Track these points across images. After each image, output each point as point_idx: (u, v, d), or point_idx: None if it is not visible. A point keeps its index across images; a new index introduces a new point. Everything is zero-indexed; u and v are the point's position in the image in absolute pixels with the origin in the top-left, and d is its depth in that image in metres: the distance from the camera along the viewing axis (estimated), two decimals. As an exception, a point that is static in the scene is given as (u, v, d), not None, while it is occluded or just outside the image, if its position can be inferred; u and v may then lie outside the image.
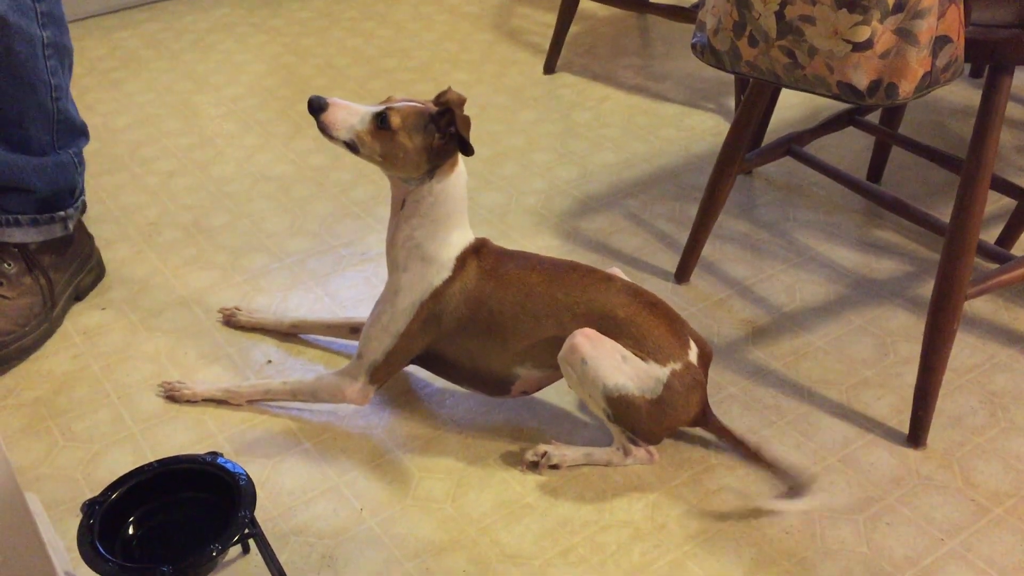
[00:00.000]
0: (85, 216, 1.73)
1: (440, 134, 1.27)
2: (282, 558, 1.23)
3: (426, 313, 1.35)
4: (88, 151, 1.78)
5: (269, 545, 1.19)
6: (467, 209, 1.35)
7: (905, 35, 1.15)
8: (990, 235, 1.74)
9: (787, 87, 1.30)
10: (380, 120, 1.26)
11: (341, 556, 1.25)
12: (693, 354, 1.32)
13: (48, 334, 1.62)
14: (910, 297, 1.67)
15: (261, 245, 1.85)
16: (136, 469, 1.19)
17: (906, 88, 1.18)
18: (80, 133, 1.66)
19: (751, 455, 1.32)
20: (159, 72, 2.53)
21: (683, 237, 1.78)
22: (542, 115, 2.29)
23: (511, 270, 1.35)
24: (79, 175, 1.66)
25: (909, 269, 1.74)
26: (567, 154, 2.13)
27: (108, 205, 1.98)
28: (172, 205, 1.98)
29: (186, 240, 1.87)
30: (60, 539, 1.24)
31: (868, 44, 1.16)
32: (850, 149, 2.08)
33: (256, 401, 1.47)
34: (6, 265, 1.59)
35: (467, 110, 1.29)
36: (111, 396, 1.51)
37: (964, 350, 1.54)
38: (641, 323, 1.30)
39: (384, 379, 1.41)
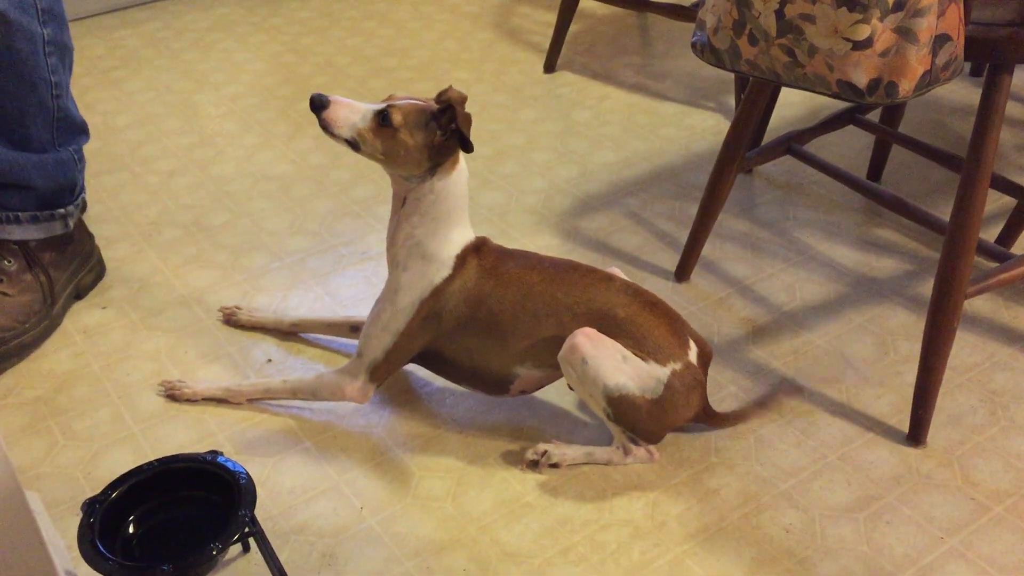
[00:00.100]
0: (85, 215, 1.73)
1: (441, 131, 1.27)
2: (282, 557, 1.23)
3: (426, 311, 1.35)
4: (88, 150, 1.78)
5: (269, 544, 1.19)
6: (468, 207, 1.35)
7: (905, 33, 1.15)
8: (990, 234, 1.74)
9: (787, 86, 1.30)
10: (382, 117, 1.26)
11: (341, 555, 1.25)
12: (693, 354, 1.32)
13: (48, 332, 1.62)
14: (910, 296, 1.67)
15: (261, 244, 1.85)
16: (136, 468, 1.19)
17: (906, 87, 1.18)
18: (80, 131, 1.66)
19: (759, 411, 1.39)
20: (159, 71, 2.53)
21: (683, 236, 1.78)
22: (542, 114, 2.29)
23: (511, 269, 1.35)
24: (79, 172, 1.67)
25: (909, 268, 1.74)
26: (567, 153, 2.13)
27: (108, 204, 1.98)
28: (172, 204, 1.98)
29: (186, 239, 1.87)
30: (60, 538, 1.24)
31: (868, 42, 1.16)
32: (850, 148, 2.08)
33: (256, 400, 1.47)
34: (6, 262, 1.59)
35: (467, 109, 1.29)
36: (111, 395, 1.51)
37: (964, 349, 1.54)
38: (641, 323, 1.30)
39: (384, 377, 1.41)
